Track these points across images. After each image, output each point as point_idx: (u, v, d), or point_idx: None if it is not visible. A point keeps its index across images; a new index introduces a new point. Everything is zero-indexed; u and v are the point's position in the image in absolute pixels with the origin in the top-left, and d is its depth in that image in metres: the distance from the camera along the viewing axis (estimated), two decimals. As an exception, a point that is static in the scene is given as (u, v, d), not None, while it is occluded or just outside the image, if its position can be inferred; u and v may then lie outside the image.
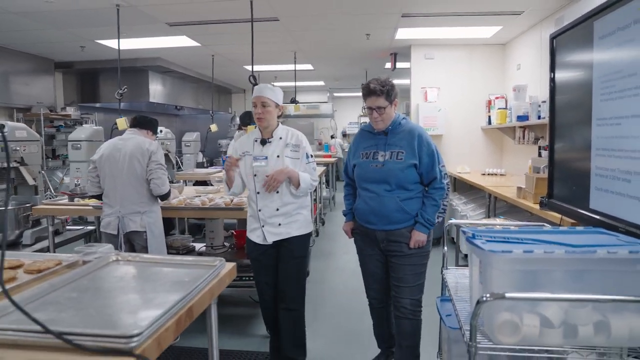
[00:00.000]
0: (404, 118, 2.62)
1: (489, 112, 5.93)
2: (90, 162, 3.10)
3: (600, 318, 1.57)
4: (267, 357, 2.99)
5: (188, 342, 3.09)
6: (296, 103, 7.68)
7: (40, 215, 3.66)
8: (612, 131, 2.05)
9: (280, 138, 2.70)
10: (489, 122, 5.95)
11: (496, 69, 6.16)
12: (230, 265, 1.78)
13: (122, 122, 4.27)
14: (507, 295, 1.45)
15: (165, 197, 3.01)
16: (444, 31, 5.49)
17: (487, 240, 1.66)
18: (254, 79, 4.30)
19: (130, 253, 1.88)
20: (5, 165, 3.68)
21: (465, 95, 6.24)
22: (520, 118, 4.71)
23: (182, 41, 5.88)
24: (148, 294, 1.45)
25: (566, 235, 1.79)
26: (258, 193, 2.65)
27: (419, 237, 2.52)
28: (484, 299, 1.46)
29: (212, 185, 4.91)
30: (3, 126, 1.30)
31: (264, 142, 2.67)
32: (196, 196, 3.50)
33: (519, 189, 3.63)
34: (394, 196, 2.51)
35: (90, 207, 3.38)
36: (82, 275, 1.62)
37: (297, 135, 2.74)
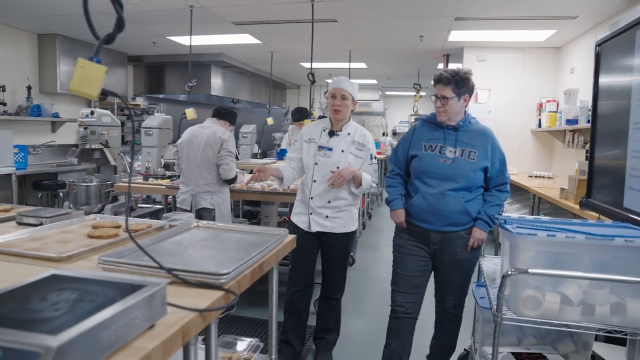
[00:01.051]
0: (473, 117, 2.50)
1: (540, 115, 5.98)
2: (174, 146, 3.51)
3: (617, 300, 1.76)
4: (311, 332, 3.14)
5: (242, 313, 3.44)
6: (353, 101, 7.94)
7: (119, 192, 4.13)
8: (647, 134, 2.20)
9: (349, 134, 2.72)
10: (539, 125, 6.00)
11: (549, 72, 6.19)
12: (292, 236, 2.08)
13: (190, 112, 4.70)
14: (530, 270, 1.68)
15: (232, 181, 3.37)
16: (497, 34, 5.60)
17: (517, 226, 1.88)
18: (312, 77, 4.60)
19: (208, 221, 2.22)
20: (92, 147, 4.17)
21: (517, 98, 6.31)
22: (569, 122, 4.78)
23: (245, 39, 6.29)
24: (227, 251, 1.77)
25: (592, 227, 1.97)
26: (314, 181, 2.71)
27: (480, 234, 2.39)
28: (509, 272, 1.69)
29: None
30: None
31: (332, 133, 2.71)
32: (256, 182, 3.85)
33: (562, 190, 3.75)
34: (459, 196, 2.35)
35: (164, 187, 3.80)
36: (171, 235, 1.96)
37: (365, 135, 2.77)
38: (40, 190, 5.43)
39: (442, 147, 2.39)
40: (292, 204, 3.99)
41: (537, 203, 4.46)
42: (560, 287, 1.80)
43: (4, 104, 5.61)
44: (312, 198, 2.72)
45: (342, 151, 2.68)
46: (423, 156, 2.41)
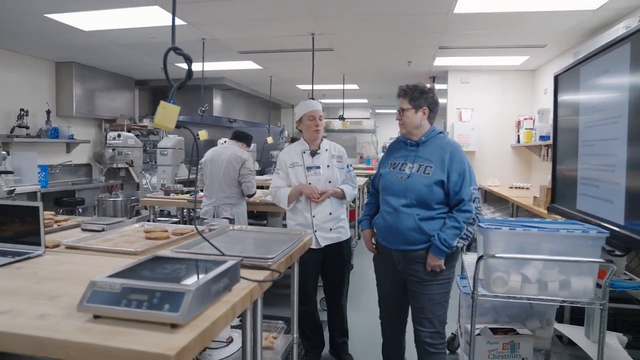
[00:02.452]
0: (440, 132, 2.48)
1: (518, 131, 6.57)
2: (200, 163, 4.01)
3: (564, 278, 2.29)
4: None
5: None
6: (343, 119, 8.49)
7: (142, 206, 4.61)
8: (589, 149, 2.75)
9: (326, 150, 2.98)
10: (518, 141, 6.58)
11: (526, 93, 6.80)
12: (308, 236, 2.58)
13: (203, 133, 5.21)
14: (497, 255, 2.20)
15: (252, 196, 3.87)
16: (478, 59, 6.20)
17: (488, 224, 2.40)
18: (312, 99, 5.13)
19: (240, 225, 2.72)
20: (116, 166, 4.65)
21: (497, 116, 6.91)
22: (542, 138, 5.36)
23: (247, 65, 6.84)
24: (263, 245, 2.26)
25: (548, 224, 2.50)
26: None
27: (433, 261, 2.30)
28: (482, 257, 2.21)
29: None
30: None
31: (313, 153, 2.94)
32: (267, 195, 4.35)
33: (535, 198, 4.30)
34: (413, 213, 2.32)
35: (185, 200, 4.29)
36: (214, 235, 2.45)
37: (338, 148, 3.05)
38: (61, 206, 5.87)
39: (403, 164, 2.42)
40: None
41: (515, 211, 5.00)
42: (521, 270, 2.33)
43: (27, 127, 6.08)
44: (314, 216, 2.90)
45: (328, 166, 2.93)
46: (385, 174, 2.47)
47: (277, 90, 9.95)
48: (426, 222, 2.31)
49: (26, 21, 4.59)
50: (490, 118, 6.93)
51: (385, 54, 6.02)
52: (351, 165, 3.09)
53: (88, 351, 1.19)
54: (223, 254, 1.88)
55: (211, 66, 6.89)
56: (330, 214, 2.91)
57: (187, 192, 4.51)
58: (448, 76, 7.07)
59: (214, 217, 3.75)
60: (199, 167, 3.93)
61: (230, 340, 2.48)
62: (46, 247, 2.14)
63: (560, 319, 3.35)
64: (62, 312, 1.37)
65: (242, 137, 4.03)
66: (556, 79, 3.37)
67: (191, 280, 1.36)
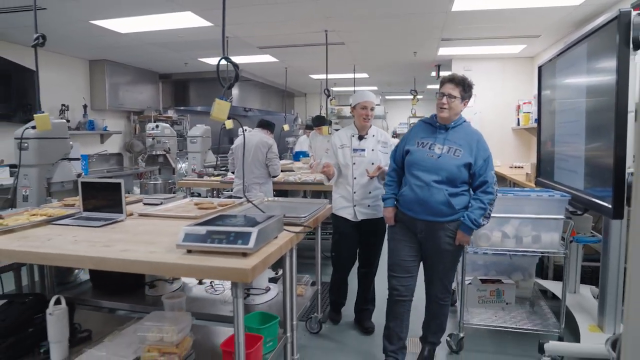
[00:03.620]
0: (465, 120, 2.72)
1: (518, 115, 7.05)
2: (230, 149, 4.58)
3: (536, 233, 2.85)
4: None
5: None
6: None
7: (178, 188, 5.21)
8: (562, 130, 3.29)
9: (373, 135, 3.24)
10: (518, 124, 7.07)
11: (525, 78, 7.27)
12: (329, 205, 3.15)
13: (229, 122, 5.77)
14: (480, 215, 2.75)
15: (276, 176, 4.46)
16: (479, 49, 6.68)
17: (476, 192, 2.94)
18: (328, 92, 5.69)
19: (273, 197, 3.30)
20: (155, 153, 5.26)
21: (499, 101, 7.39)
22: (537, 120, 5.84)
23: (265, 58, 7.37)
24: (295, 210, 2.82)
25: (524, 191, 3.05)
26: (355, 178, 3.19)
27: (462, 237, 2.57)
28: (467, 217, 2.77)
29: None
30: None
31: (361, 137, 3.22)
32: (290, 176, 4.94)
33: (527, 174, 4.83)
34: (443, 189, 2.52)
35: (218, 182, 4.89)
36: (255, 206, 3.04)
37: (384, 134, 3.32)
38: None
39: (432, 144, 2.60)
40: (312, 192, 5.04)
41: (512, 186, 5.53)
42: (502, 227, 2.89)
43: (68, 121, 6.71)
44: (355, 192, 3.20)
45: (372, 150, 3.19)
46: (414, 151, 2.64)
47: (291, 80, 10.48)
48: (453, 197, 2.54)
49: (73, 27, 5.18)
50: (492, 103, 7.40)
51: (392, 46, 6.52)
52: None
53: (191, 269, 1.81)
54: (267, 215, 2.46)
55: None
56: (370, 192, 3.18)
57: (218, 175, 5.10)
58: (452, 64, 7.55)
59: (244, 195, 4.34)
60: (230, 152, 4.50)
61: (268, 289, 3.09)
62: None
63: (545, 276, 3.91)
64: (163, 250, 1.98)
65: (266, 125, 4.60)
66: (539, 69, 3.88)
67: (253, 226, 1.94)
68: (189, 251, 1.91)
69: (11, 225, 2.44)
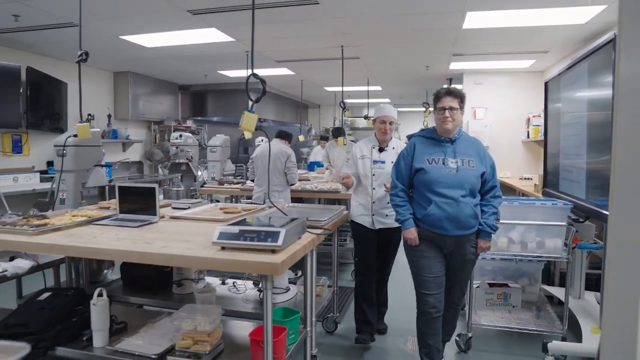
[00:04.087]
0: (463, 130, 2.77)
1: (528, 128, 7.23)
2: (251, 159, 4.82)
3: (540, 239, 3.03)
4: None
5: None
6: (368, 118, 9.25)
7: (199, 195, 5.47)
8: (566, 142, 3.48)
9: (393, 148, 3.32)
10: (528, 136, 7.24)
11: (535, 92, 7.43)
12: (347, 212, 3.36)
13: (248, 133, 6.03)
14: (487, 221, 2.95)
15: (294, 184, 4.69)
16: (490, 63, 6.88)
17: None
18: (343, 104, 5.93)
19: (293, 203, 3.53)
20: (178, 161, 5.53)
21: (509, 114, 7.57)
22: (544, 133, 6.02)
23: (282, 71, 7.65)
24: (314, 214, 3.04)
25: (532, 200, 3.24)
26: (374, 189, 3.26)
27: (485, 244, 2.66)
28: (475, 223, 2.97)
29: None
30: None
31: (381, 149, 3.32)
32: (307, 185, 5.16)
33: (535, 185, 5.00)
34: (469, 202, 2.56)
35: (238, 189, 5.13)
36: (276, 210, 3.26)
37: (404, 146, 3.16)
38: (124, 197, 6.79)
39: (444, 159, 2.61)
40: (326, 200, 5.22)
41: (521, 196, 5.70)
42: (507, 233, 3.08)
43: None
44: (374, 202, 3.28)
45: (392, 162, 3.10)
46: (430, 169, 2.60)
47: (306, 92, 10.76)
48: (477, 208, 2.61)
49: (103, 41, 5.49)
50: (503, 116, 7.59)
51: (405, 60, 6.76)
52: None
53: (226, 263, 2.03)
54: (292, 219, 2.68)
55: (245, 73, 7.72)
56: (388, 202, 3.11)
57: (237, 183, 5.35)
58: (463, 78, 7.76)
59: (263, 202, 4.57)
60: (250, 161, 4.75)
61: (288, 289, 3.30)
62: (159, 216, 2.98)
63: (552, 283, 4.07)
64: (199, 247, 2.21)
65: (285, 136, 4.84)
66: (546, 84, 4.08)
67: (282, 226, 2.16)
68: (223, 248, 2.13)
69: (57, 224, 2.69)
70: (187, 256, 2.08)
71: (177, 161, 5.68)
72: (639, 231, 1.05)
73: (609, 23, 4.54)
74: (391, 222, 3.23)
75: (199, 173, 5.94)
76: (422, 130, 2.93)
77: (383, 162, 3.29)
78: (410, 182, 2.72)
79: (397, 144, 3.37)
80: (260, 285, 3.37)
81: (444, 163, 2.60)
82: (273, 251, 2.06)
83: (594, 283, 3.89)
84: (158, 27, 4.92)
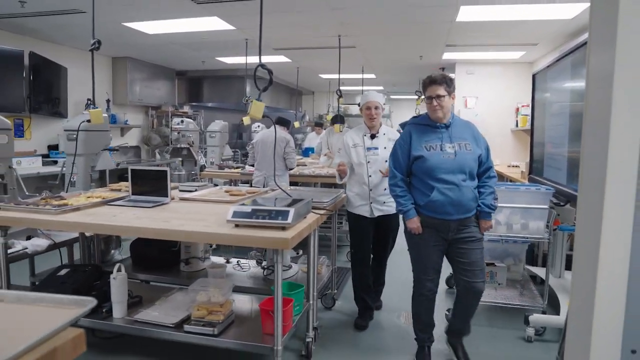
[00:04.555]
0: (454, 114, 2.77)
1: (517, 117, 7.47)
2: (251, 144, 5.02)
3: (524, 221, 3.28)
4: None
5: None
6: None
7: (200, 178, 5.65)
8: (551, 132, 3.72)
9: (384, 134, 3.33)
10: (517, 125, 7.49)
11: (524, 82, 7.64)
12: (344, 194, 3.58)
13: (247, 119, 6.21)
14: (476, 204, 3.19)
15: (292, 169, 4.90)
16: (482, 54, 7.10)
17: (473, 185, 3.38)
18: (340, 92, 6.11)
19: (293, 186, 3.74)
20: (180, 146, 5.71)
21: (499, 103, 7.81)
22: (531, 123, 6.27)
23: (279, 59, 7.80)
24: (315, 197, 3.24)
25: (518, 185, 3.48)
26: (370, 176, 3.25)
27: (486, 224, 2.71)
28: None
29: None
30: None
31: (373, 136, 3.32)
32: (305, 169, 5.37)
33: (522, 172, 5.25)
34: (470, 185, 2.61)
35: (239, 173, 5.33)
36: (279, 193, 3.47)
37: (395, 133, 3.39)
38: (125, 180, 6.96)
39: (441, 145, 2.62)
40: (322, 184, 5.40)
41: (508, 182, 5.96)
42: (495, 216, 3.31)
43: (94, 114, 7.15)
44: (371, 190, 3.27)
45: (385, 148, 3.25)
46: (429, 156, 2.61)
47: (301, 79, 10.89)
48: (476, 190, 2.66)
49: (106, 28, 5.60)
50: (493, 105, 7.83)
51: (400, 50, 6.95)
52: None
53: (242, 239, 2.25)
54: (295, 201, 2.90)
55: (242, 60, 7.86)
56: (385, 189, 3.18)
57: (237, 167, 5.55)
58: (455, 68, 7.97)
59: (264, 186, 4.78)
60: (250, 146, 4.94)
61: (290, 267, 3.53)
62: (170, 198, 3.18)
63: (535, 263, 4.34)
64: (214, 224, 2.42)
65: (283, 122, 5.03)
66: (534, 76, 4.31)
67: (290, 206, 2.38)
68: (237, 225, 2.35)
69: (76, 204, 2.89)
70: (207, 232, 2.29)
71: (178, 146, 5.85)
72: (599, 212, 1.28)
73: (594, 18, 4.76)
74: (388, 209, 3.27)
75: (199, 157, 6.11)
76: (414, 117, 2.94)
77: (376, 149, 3.28)
78: (408, 170, 2.74)
79: (388, 130, 3.40)
80: (263, 264, 3.61)
81: (441, 149, 2.61)
82: (283, 228, 2.28)
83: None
84: (162, 14, 5.06)
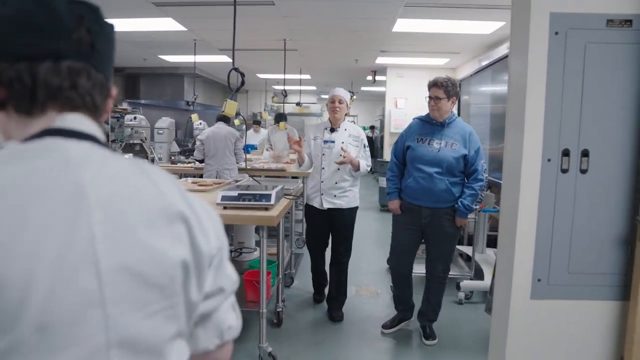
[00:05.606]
0: (457, 117, 3.03)
1: (441, 117, 8.30)
2: (198, 140, 5.22)
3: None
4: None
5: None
6: (300, 105, 9.93)
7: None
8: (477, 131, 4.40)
9: (345, 129, 3.40)
10: (441, 125, 8.32)
11: (447, 87, 8.54)
12: (301, 184, 4.02)
13: (195, 117, 6.46)
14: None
15: (239, 163, 5.23)
16: (411, 60, 7.84)
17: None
18: (285, 92, 6.54)
19: (255, 177, 4.12)
20: (133, 142, 5.85)
21: (426, 104, 8.59)
22: (457, 122, 7.08)
23: (221, 58, 8.06)
24: (279, 186, 3.66)
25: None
26: (323, 168, 3.37)
27: (460, 222, 2.94)
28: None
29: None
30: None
31: (332, 130, 3.39)
32: (255, 164, 5.73)
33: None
34: (444, 179, 2.83)
35: (193, 168, 5.58)
36: (243, 184, 3.84)
37: (357, 129, 3.48)
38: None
39: (431, 140, 2.89)
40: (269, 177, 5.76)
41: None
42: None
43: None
44: (322, 182, 3.37)
45: (342, 142, 3.33)
46: (415, 147, 2.92)
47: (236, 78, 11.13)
48: (453, 186, 2.88)
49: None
50: (421, 106, 8.50)
51: (337, 54, 7.51)
52: (367, 146, 3.48)
53: (232, 218, 2.63)
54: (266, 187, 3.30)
55: (188, 58, 8.05)
56: (336, 183, 3.34)
57: (189, 163, 5.79)
58: (387, 71, 8.68)
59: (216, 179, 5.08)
60: (201, 142, 5.14)
61: (255, 249, 3.92)
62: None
63: (462, 243, 5.04)
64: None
65: (225, 119, 5.29)
66: (460, 83, 5.00)
67: (271, 190, 2.79)
68: (225, 208, 2.72)
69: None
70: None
71: (131, 142, 5.98)
72: (516, 196, 1.85)
73: (507, 35, 5.58)
74: (340, 203, 3.36)
75: (151, 153, 6.26)
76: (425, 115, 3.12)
77: (333, 142, 3.35)
78: (404, 158, 3.04)
79: (350, 127, 3.46)
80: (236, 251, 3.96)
81: (429, 143, 2.89)
82: (266, 209, 2.69)
83: (493, 242, 4.90)
84: (119, 13, 5.17)
